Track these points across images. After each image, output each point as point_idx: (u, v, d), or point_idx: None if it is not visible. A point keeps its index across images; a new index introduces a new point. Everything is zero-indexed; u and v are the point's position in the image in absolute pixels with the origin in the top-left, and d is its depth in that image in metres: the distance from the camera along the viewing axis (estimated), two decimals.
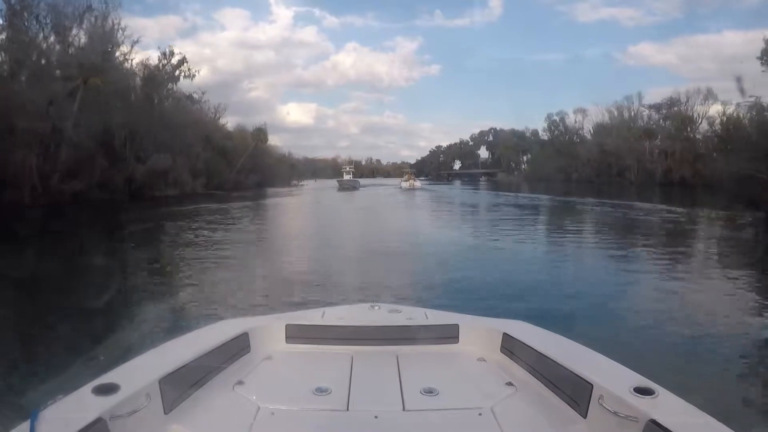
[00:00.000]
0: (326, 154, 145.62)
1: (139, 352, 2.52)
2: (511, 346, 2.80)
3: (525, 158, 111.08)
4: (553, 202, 41.22)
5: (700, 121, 72.20)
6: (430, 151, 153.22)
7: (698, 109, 72.22)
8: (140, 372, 2.17)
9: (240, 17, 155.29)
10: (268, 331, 3.05)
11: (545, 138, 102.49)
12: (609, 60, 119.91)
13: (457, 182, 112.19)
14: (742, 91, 60.88)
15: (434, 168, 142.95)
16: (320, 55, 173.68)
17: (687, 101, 72.86)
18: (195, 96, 58.34)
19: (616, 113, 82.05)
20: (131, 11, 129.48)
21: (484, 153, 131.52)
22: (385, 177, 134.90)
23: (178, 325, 6.62)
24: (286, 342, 3.04)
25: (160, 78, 52.19)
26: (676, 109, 74.36)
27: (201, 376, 2.41)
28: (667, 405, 1.86)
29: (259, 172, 71.63)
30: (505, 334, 2.88)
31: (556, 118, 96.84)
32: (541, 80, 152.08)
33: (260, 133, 74.36)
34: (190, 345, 2.62)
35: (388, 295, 7.76)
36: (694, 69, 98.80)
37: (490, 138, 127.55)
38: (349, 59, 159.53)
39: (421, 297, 8.22)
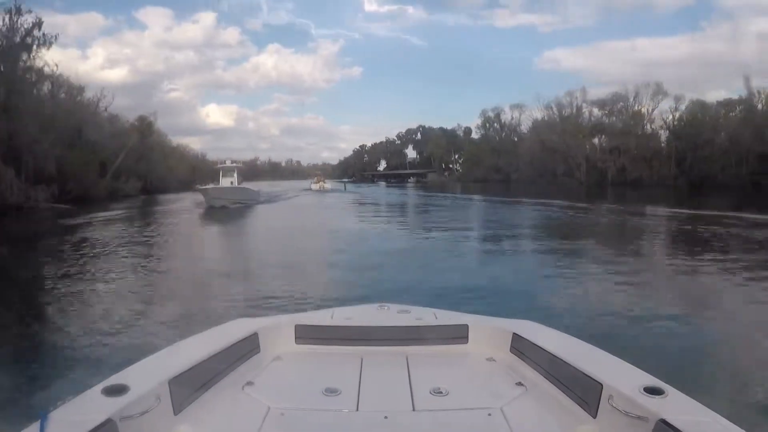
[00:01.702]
0: (247, 155, 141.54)
1: (148, 352, 2.46)
2: (520, 346, 2.77)
3: (457, 157, 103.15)
4: (514, 209, 32.36)
5: (648, 116, 67.60)
6: (353, 151, 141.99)
7: (646, 104, 67.66)
8: (149, 373, 2.15)
9: (162, 16, 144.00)
10: (278, 331, 3.03)
11: (479, 136, 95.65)
12: (527, 64, 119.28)
13: (383, 184, 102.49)
14: (749, 89, 57.89)
15: (358, 169, 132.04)
16: (242, 56, 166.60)
17: (636, 96, 67.96)
18: (47, 71, 42.36)
19: (555, 109, 76.02)
20: (52, 7, 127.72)
21: (412, 153, 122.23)
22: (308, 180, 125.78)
23: None
24: (296, 342, 3.02)
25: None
26: (621, 104, 69.21)
27: (210, 376, 2.38)
28: (677, 405, 1.85)
29: (147, 175, 57.51)
30: (514, 334, 2.85)
31: (491, 114, 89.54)
32: (464, 83, 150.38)
33: (143, 124, 58.32)
34: (199, 345, 2.60)
35: None
36: (608, 73, 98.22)
37: (419, 137, 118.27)
38: (271, 60, 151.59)
39: None
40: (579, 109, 73.78)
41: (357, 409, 2.23)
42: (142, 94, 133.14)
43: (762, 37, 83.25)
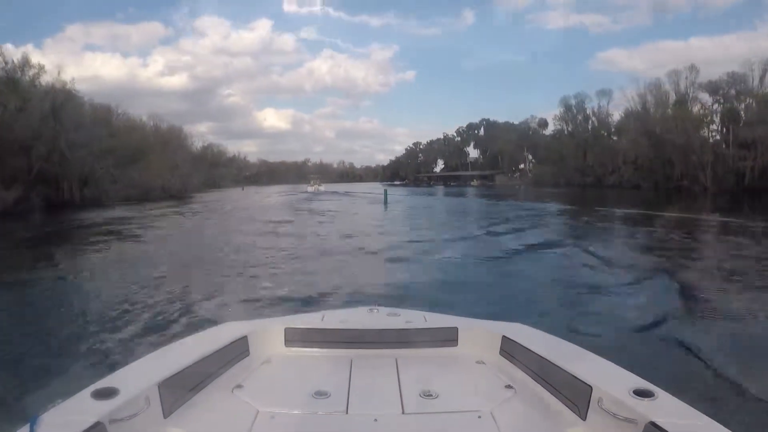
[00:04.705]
0: (301, 158, 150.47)
1: (138, 356, 2.52)
2: (510, 349, 2.80)
3: (530, 156, 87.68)
4: None
5: None
6: (406, 149, 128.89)
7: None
8: (139, 376, 2.18)
9: (220, 25, 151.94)
10: (267, 334, 3.03)
11: (553, 131, 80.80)
12: (578, 65, 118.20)
13: (440, 188, 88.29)
14: None
15: (412, 170, 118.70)
16: (297, 61, 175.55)
17: (764, 76, 51.73)
18: None
19: (651, 98, 60.37)
20: (113, 18, 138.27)
21: (474, 152, 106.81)
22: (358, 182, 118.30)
23: None
24: (285, 345, 3.03)
25: None
26: (735, 89, 52.88)
27: (200, 379, 2.41)
28: (666, 407, 1.87)
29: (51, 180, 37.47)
30: (504, 337, 2.87)
31: (574, 102, 74.51)
32: (517, 85, 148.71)
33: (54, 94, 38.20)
34: (189, 348, 2.63)
35: None
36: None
37: (481, 132, 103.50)
38: (325, 66, 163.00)
39: None
40: (684, 94, 58.31)
41: (347, 412, 2.24)
42: (201, 99, 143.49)
43: None
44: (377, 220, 25.08)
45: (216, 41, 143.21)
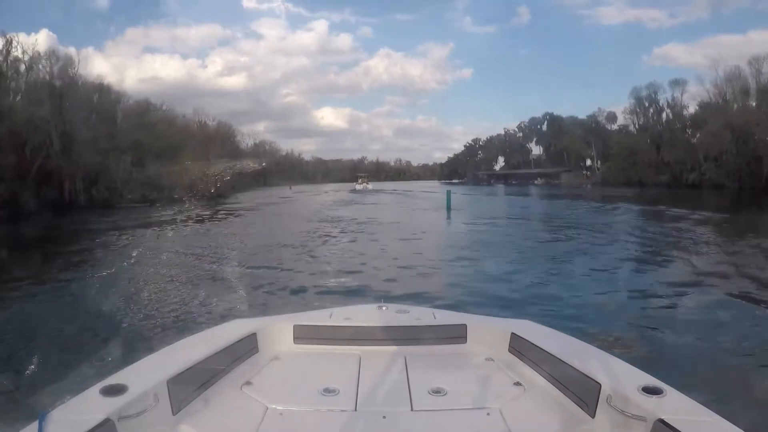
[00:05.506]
0: (358, 156, 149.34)
1: (147, 352, 2.47)
2: (519, 346, 2.78)
3: (595, 154, 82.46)
4: None
5: None
6: (465, 146, 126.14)
7: None
8: (148, 373, 2.17)
9: (277, 26, 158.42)
10: (276, 331, 3.03)
11: (619, 126, 76.86)
12: (635, 60, 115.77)
13: (501, 186, 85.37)
14: None
15: (471, 167, 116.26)
16: (354, 61, 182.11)
17: None
18: None
19: (730, 89, 55.76)
20: (171, 21, 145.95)
21: (536, 150, 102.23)
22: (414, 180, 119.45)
23: None
24: (294, 342, 3.02)
25: None
26: None
27: (209, 376, 2.40)
28: (675, 404, 1.86)
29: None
30: (513, 334, 2.85)
31: (646, 93, 70.08)
32: (575, 82, 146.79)
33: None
34: (197, 345, 2.61)
35: None
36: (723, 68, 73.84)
37: (544, 128, 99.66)
38: (382, 64, 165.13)
39: None
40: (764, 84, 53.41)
41: (355, 409, 2.22)
42: (260, 99, 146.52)
43: None
44: (441, 254, 13.66)
45: (273, 42, 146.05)
